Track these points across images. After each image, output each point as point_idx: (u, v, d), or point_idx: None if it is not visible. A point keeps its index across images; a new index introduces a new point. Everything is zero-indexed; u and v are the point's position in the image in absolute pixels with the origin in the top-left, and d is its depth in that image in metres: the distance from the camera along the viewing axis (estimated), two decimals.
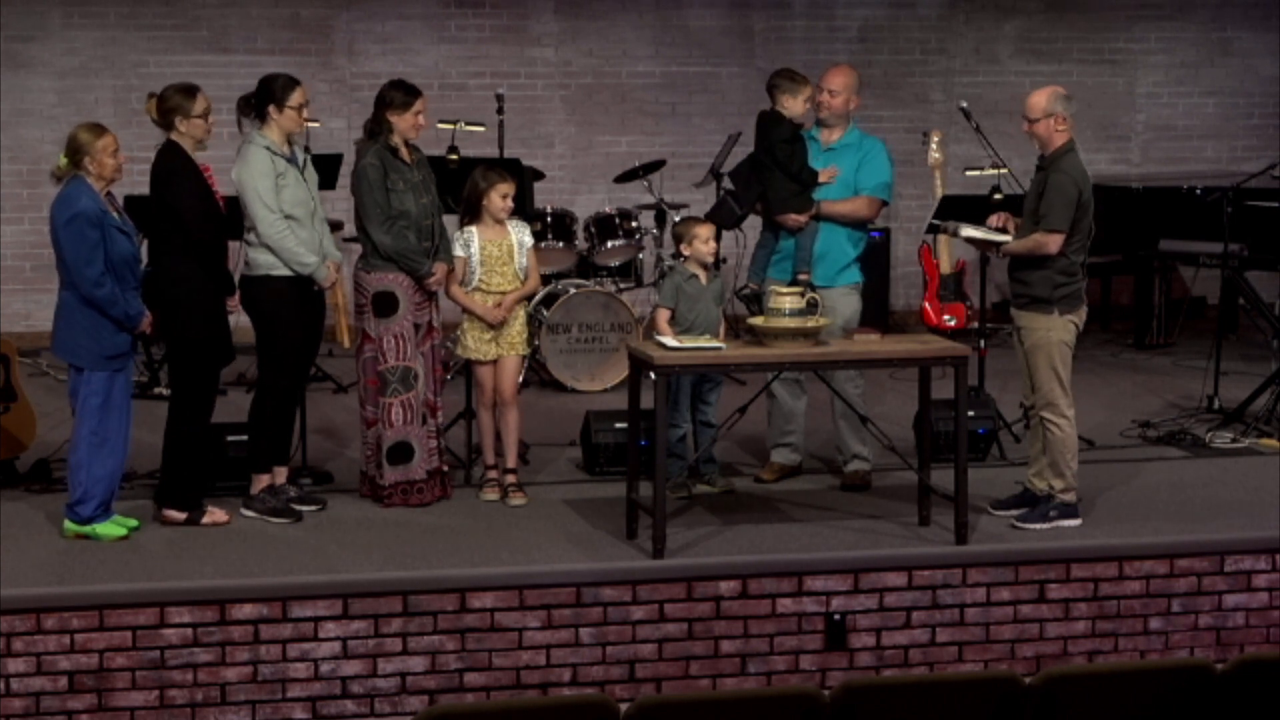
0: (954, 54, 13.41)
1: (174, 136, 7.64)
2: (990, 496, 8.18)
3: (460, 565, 7.30)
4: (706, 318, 8.20)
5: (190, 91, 7.66)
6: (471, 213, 8.20)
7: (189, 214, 7.56)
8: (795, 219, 8.36)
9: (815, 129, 8.53)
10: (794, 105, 8.36)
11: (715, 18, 13.06)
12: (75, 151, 7.38)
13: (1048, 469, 7.90)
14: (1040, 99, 7.83)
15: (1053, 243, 7.73)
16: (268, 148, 7.80)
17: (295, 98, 7.85)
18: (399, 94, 8.03)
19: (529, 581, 7.18)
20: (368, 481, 8.22)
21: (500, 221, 8.19)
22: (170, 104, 7.63)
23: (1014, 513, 7.96)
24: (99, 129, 7.46)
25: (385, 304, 8.01)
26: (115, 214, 7.48)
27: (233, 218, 7.89)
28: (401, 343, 8.03)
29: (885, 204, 8.60)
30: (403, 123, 8.01)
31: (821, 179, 8.40)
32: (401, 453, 8.06)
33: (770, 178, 8.39)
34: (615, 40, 12.95)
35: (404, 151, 8.07)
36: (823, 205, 8.40)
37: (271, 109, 7.83)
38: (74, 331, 7.47)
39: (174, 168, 7.60)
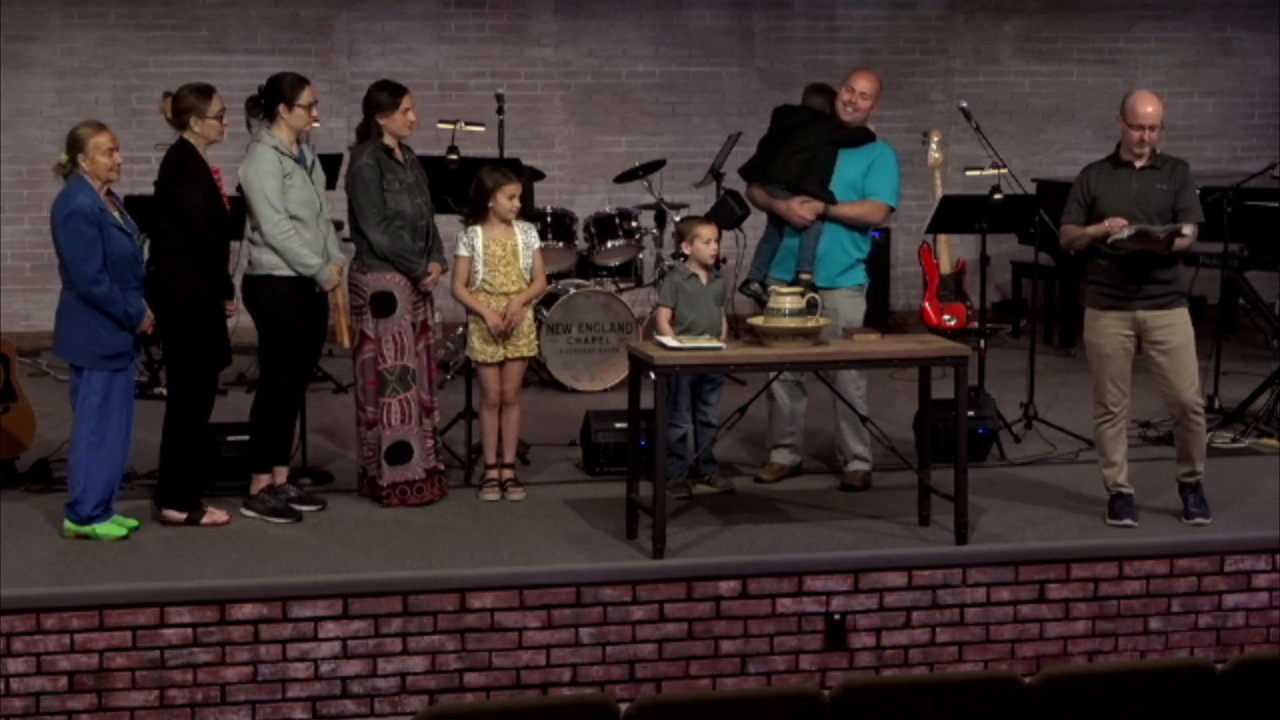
0: (954, 54, 13.41)
1: (187, 136, 7.64)
2: (991, 497, 8.19)
3: (460, 565, 7.29)
4: (707, 318, 8.19)
5: (206, 92, 7.66)
6: (477, 212, 8.20)
7: (195, 214, 7.56)
8: (809, 209, 8.30)
9: None
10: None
11: (715, 18, 13.05)
12: (73, 147, 7.39)
13: (1199, 461, 7.90)
14: (1160, 107, 7.92)
15: None
16: (275, 147, 7.80)
17: (304, 96, 7.85)
18: (385, 95, 8.02)
19: (529, 581, 7.18)
20: (367, 481, 8.22)
21: (506, 221, 8.19)
22: (185, 104, 7.63)
23: (1202, 519, 7.91)
24: (97, 126, 7.46)
25: (384, 304, 8.01)
26: (116, 213, 7.48)
27: (236, 219, 7.89)
28: (400, 342, 8.02)
29: (893, 210, 8.58)
30: (393, 123, 8.00)
31: None
32: (400, 452, 8.06)
33: (816, 160, 8.38)
34: (615, 40, 12.94)
35: (398, 152, 8.07)
36: (831, 207, 8.40)
37: (281, 108, 7.83)
38: (74, 331, 7.46)
39: (186, 167, 7.60)
